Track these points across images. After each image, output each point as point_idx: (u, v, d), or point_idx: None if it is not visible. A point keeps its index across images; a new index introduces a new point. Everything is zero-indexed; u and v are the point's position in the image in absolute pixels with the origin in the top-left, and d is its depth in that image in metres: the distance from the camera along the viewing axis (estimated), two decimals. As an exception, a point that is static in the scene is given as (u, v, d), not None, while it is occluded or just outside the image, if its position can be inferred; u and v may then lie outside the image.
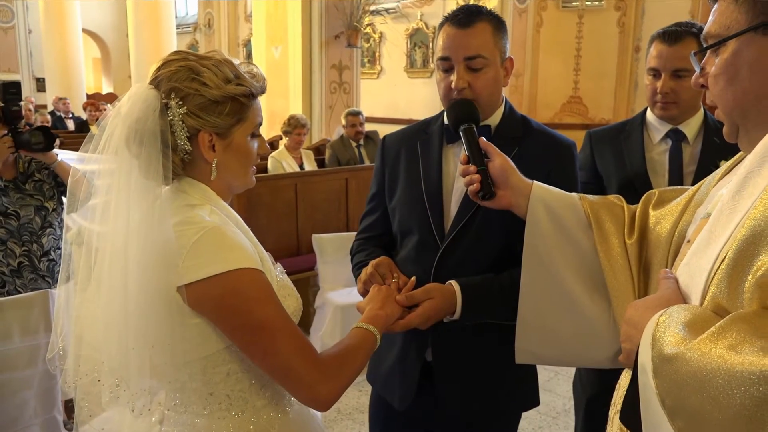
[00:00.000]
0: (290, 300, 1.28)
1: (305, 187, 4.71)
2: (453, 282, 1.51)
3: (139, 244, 1.11)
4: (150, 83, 1.19)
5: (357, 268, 1.68)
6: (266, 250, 1.36)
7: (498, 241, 1.55)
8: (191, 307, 1.14)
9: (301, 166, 5.59)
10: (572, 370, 2.48)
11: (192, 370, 1.20)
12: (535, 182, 1.41)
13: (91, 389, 1.15)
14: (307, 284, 4.41)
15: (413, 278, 1.54)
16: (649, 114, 2.05)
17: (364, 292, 1.55)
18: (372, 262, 1.57)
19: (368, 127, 6.40)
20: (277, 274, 1.30)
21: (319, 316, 4.17)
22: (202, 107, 1.18)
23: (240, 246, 1.16)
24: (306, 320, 4.25)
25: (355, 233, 1.85)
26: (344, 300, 3.92)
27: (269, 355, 1.15)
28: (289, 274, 1.38)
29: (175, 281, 1.12)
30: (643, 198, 1.38)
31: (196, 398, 1.22)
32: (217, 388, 1.23)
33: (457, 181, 1.59)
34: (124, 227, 1.12)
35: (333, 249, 4.27)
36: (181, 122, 1.17)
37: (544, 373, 3.91)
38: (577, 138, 1.88)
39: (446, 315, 1.51)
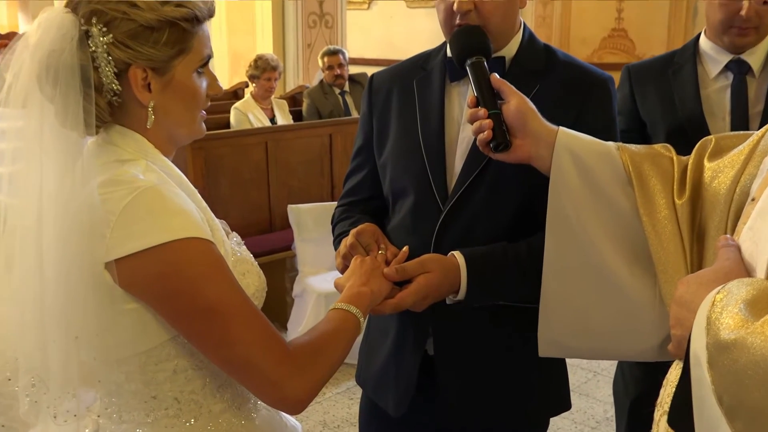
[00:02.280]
0: (250, 278, 1.28)
1: (278, 145, 4.69)
2: (456, 253, 1.52)
3: (56, 212, 1.11)
4: (66, 6, 1.17)
5: (338, 241, 1.69)
6: (231, 227, 1.36)
7: (514, 202, 1.55)
8: (123, 288, 1.14)
9: (272, 120, 5.58)
10: (614, 369, 2.50)
11: (129, 368, 1.21)
12: (561, 128, 1.41)
13: (2, 390, 1.15)
14: (282, 268, 4.43)
15: (405, 248, 1.56)
16: (703, 41, 2.03)
17: (344, 268, 1.56)
18: (352, 231, 1.58)
19: (356, 70, 6.37)
20: (232, 246, 1.29)
21: (297, 307, 4.21)
22: (133, 35, 1.17)
23: (183, 210, 1.15)
24: (281, 313, 4.29)
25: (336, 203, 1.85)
26: (329, 287, 3.94)
27: (224, 346, 1.15)
28: (260, 255, 1.39)
29: (101, 256, 1.12)
30: (696, 147, 1.38)
31: (135, 403, 1.23)
32: (161, 389, 1.23)
33: (464, 128, 1.59)
34: (36, 191, 1.11)
35: (314, 223, 4.28)
36: (106, 54, 1.16)
37: (579, 373, 3.95)
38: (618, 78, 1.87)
39: (448, 294, 1.52)
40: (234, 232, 1.36)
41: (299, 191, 4.77)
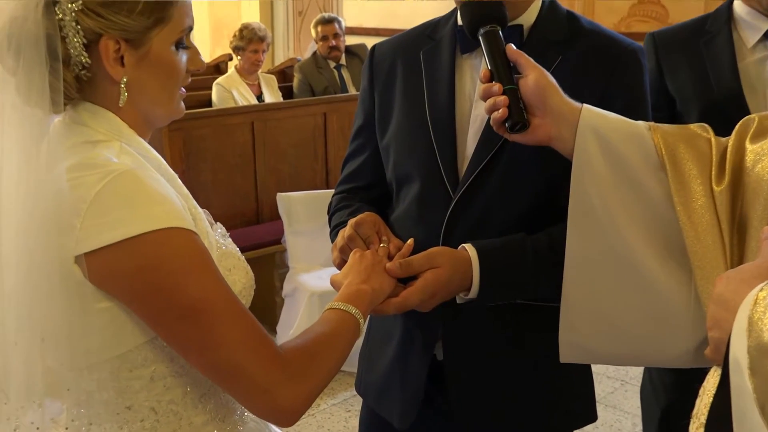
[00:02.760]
0: (236, 274, 1.29)
1: (266, 126, 4.70)
2: (467, 245, 1.53)
3: (19, 200, 1.11)
4: (30, -32, 1.17)
5: (335, 233, 1.70)
6: (213, 218, 1.36)
7: (533, 189, 1.56)
8: (95, 284, 1.15)
9: (259, 97, 5.58)
10: (641, 376, 2.51)
11: (101, 375, 1.21)
12: (586, 105, 1.41)
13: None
14: (270, 264, 4.45)
15: (410, 240, 1.57)
16: (738, 5, 1.99)
17: (341, 263, 1.57)
18: (351, 222, 1.59)
19: (354, 41, 6.36)
20: (216, 239, 1.30)
21: (288, 308, 4.22)
22: (105, 1, 1.17)
23: (163, 197, 1.16)
24: (269, 315, 4.31)
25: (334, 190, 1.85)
26: (324, 285, 3.95)
27: (208, 349, 1.16)
28: (246, 250, 1.40)
29: (71, 249, 1.12)
30: (737, 127, 1.38)
31: (107, 414, 1.24)
32: (137, 399, 1.24)
33: (476, 106, 1.60)
34: None
35: (307, 214, 4.29)
36: (74, 24, 1.16)
37: (606, 382, 3.96)
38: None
39: (459, 292, 1.53)
40: (218, 223, 1.36)
41: (290, 177, 4.77)
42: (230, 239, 1.35)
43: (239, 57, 5.57)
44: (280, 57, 7.98)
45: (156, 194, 1.16)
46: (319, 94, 5.66)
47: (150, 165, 1.23)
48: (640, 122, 1.43)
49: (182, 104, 1.31)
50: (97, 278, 1.14)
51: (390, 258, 1.53)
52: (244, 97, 5.49)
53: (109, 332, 1.18)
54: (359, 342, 1.48)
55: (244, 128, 4.63)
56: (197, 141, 4.42)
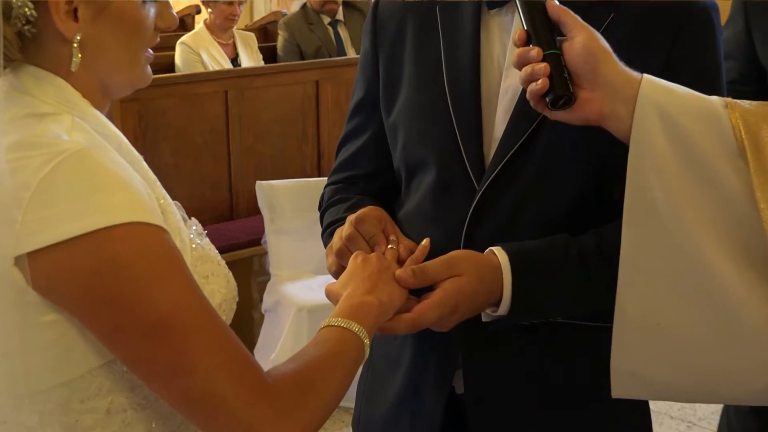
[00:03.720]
0: (215, 282, 1.30)
1: (243, 97, 4.71)
2: (496, 249, 1.54)
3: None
4: None
5: (329, 232, 1.72)
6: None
7: (578, 179, 1.57)
8: (40, 292, 1.15)
9: (234, 61, 5.58)
10: (717, 419, 2.51)
11: (45, 406, 1.22)
12: (646, 76, 1.42)
13: None
14: (247, 271, 4.47)
15: (425, 241, 1.58)
16: None
17: (338, 270, 1.58)
18: (350, 218, 1.60)
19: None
20: (191, 238, 1.31)
21: (268, 327, 4.25)
22: None
23: (124, 184, 1.17)
24: (245, 334, 4.32)
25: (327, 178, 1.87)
26: (314, 298, 3.97)
27: (179, 376, 1.17)
28: (218, 251, 1.41)
29: (10, 248, 1.13)
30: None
31: (52, 454, 1.24)
32: (89, 436, 1.24)
33: (508, 75, 1.61)
34: None
35: (293, 208, 4.30)
36: (15, -34, 1.17)
37: (668, 423, 3.97)
38: (724, 10, 1.84)
39: (485, 307, 1.54)
40: (193, 219, 1.37)
41: (273, 162, 4.79)
42: (207, 239, 1.36)
43: (209, 9, 5.56)
44: (261, 10, 7.98)
45: (116, 180, 1.16)
46: (310, 56, 5.65)
47: (109, 144, 1.23)
48: (714, 98, 1.43)
49: (149, 69, 1.32)
50: (41, 284, 1.14)
51: (400, 263, 1.53)
52: (216, 59, 5.49)
53: (56, 353, 1.18)
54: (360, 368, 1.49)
55: (215, 99, 4.64)
56: (156, 115, 4.43)
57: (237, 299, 1.36)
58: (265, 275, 4.37)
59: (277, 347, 4.00)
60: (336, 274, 1.58)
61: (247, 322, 4.40)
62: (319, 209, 1.83)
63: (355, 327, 1.35)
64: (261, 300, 4.32)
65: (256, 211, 4.43)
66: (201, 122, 4.58)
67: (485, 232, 1.59)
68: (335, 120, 4.96)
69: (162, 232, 1.19)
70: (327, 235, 1.74)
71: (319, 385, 1.26)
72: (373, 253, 1.54)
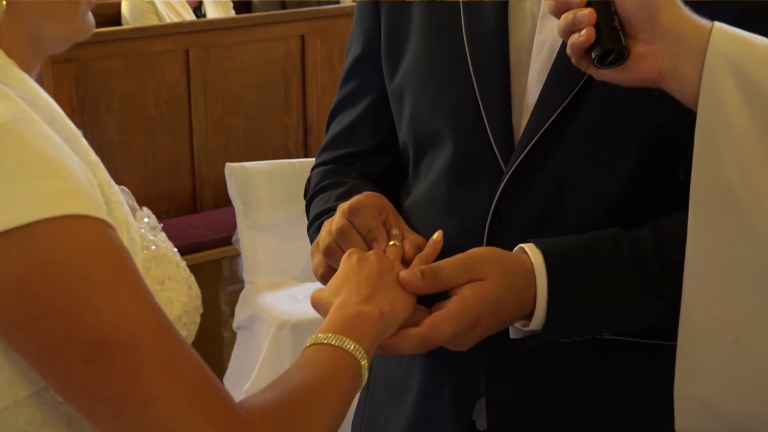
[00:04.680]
0: (174, 289, 1.31)
1: (209, 57, 4.72)
2: (528, 246, 1.54)
3: None
4: None
5: (317, 225, 1.72)
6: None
7: (631, 157, 1.57)
8: None
9: (197, 11, 5.58)
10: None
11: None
12: (718, 24, 1.41)
13: None
14: (215, 276, 4.52)
15: (437, 235, 1.58)
16: None
17: (327, 273, 1.58)
18: (342, 207, 1.59)
19: None
20: (142, 233, 1.32)
21: (243, 346, 4.27)
22: None
23: (59, 167, 1.17)
24: (213, 356, 4.36)
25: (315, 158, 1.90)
26: (300, 310, 4.00)
27: (128, 408, 1.17)
28: (178, 251, 1.41)
29: None
30: None
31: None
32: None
33: (543, 26, 1.62)
34: None
35: (273, 196, 4.32)
36: None
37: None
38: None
39: (514, 320, 1.54)
40: (145, 209, 1.37)
41: (247, 138, 4.80)
42: (164, 234, 1.36)
43: (166, -54, 5.58)
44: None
45: (48, 162, 1.16)
46: (293, 5, 5.66)
47: (39, 116, 1.23)
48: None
49: (90, 18, 1.32)
50: None
51: (406, 264, 1.53)
52: (174, 9, 5.50)
53: (-28, 378, 1.19)
54: (356, 397, 1.49)
55: (174, 60, 4.65)
56: (97, 80, 4.44)
57: (201, 310, 1.36)
58: (237, 283, 4.38)
59: (253, 374, 4.01)
60: (324, 278, 1.58)
61: (215, 342, 4.41)
62: (305, 197, 1.84)
63: (350, 345, 1.35)
64: (232, 314, 4.32)
65: (225, 202, 4.44)
66: (155, 89, 4.59)
67: (514, 225, 1.60)
68: (326, 85, 4.96)
69: (106, 227, 1.19)
70: (314, 229, 1.74)
71: (304, 419, 1.26)
72: (371, 251, 1.53)
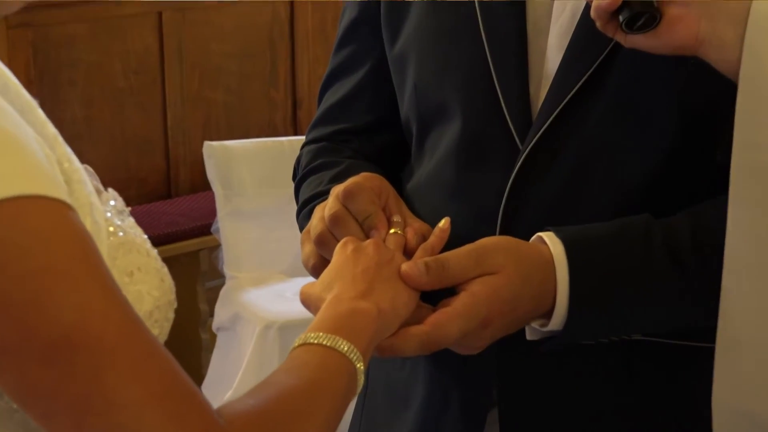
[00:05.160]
0: (144, 281, 1.31)
1: (184, 21, 4.72)
2: (548, 235, 1.54)
3: None
4: None
5: (308, 212, 1.72)
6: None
7: (664, 135, 1.57)
8: None
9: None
10: None
11: None
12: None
13: None
14: (192, 270, 4.54)
15: (444, 222, 1.57)
16: None
17: (318, 265, 1.58)
18: (336, 190, 1.59)
19: None
20: (108, 217, 1.32)
21: (224, 349, 4.29)
22: None
23: (11, 142, 1.17)
24: (191, 361, 4.38)
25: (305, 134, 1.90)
26: (288, 310, 4.02)
27: (92, 415, 1.17)
28: (151, 242, 1.41)
29: None
30: None
31: None
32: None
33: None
34: None
35: (257, 179, 4.35)
36: None
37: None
38: None
39: (530, 319, 1.54)
40: (111, 190, 1.38)
41: (228, 114, 4.80)
42: (132, 219, 1.36)
43: None
44: None
45: (1, 136, 1.18)
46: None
47: None
48: None
49: None
50: None
51: (408, 255, 1.53)
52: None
53: None
54: (352, 404, 1.49)
55: (145, 24, 4.65)
56: (58, 47, 4.44)
57: (175, 305, 1.36)
58: (217, 278, 4.38)
59: (235, 382, 4.03)
60: (315, 271, 1.58)
61: (192, 344, 4.41)
62: (294, 179, 1.85)
63: (344, 345, 1.35)
64: (212, 313, 4.32)
65: (203, 186, 4.44)
66: (124, 58, 4.59)
67: (531, 211, 1.60)
68: (318, 54, 4.96)
69: (66, 210, 1.18)
70: (304, 215, 1.75)
71: (291, 428, 1.26)
72: (368, 240, 1.53)
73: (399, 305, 1.46)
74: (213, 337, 4.32)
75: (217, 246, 4.38)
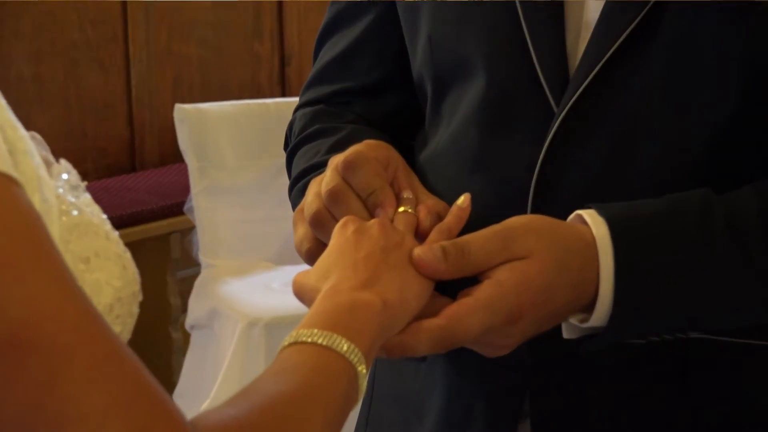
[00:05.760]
0: (102, 268, 1.31)
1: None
2: (588, 213, 1.52)
3: None
4: None
5: (301, 187, 1.73)
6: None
7: (726, 94, 1.57)
8: None
9: None
10: None
11: None
12: None
13: None
14: (161, 257, 4.59)
15: (463, 199, 1.56)
16: None
17: (314, 249, 1.57)
18: (334, 161, 1.58)
19: None
20: (59, 193, 1.32)
21: (200, 351, 4.33)
22: None
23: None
24: (161, 364, 4.41)
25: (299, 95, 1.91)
26: (276, 304, 4.05)
27: (45, 425, 1.18)
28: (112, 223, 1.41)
29: None
30: None
31: None
32: None
33: None
34: None
35: (239, 149, 4.37)
36: None
37: None
38: None
39: (568, 314, 1.53)
40: (64, 162, 1.37)
41: (204, 72, 4.81)
42: (88, 196, 1.36)
43: None
44: None
45: None
46: None
47: None
48: None
49: None
50: None
51: (421, 237, 1.52)
52: None
53: None
54: (352, 415, 1.49)
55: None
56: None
57: (140, 298, 1.36)
58: (191, 266, 4.40)
59: (213, 390, 4.05)
60: (311, 257, 1.57)
61: (161, 345, 4.43)
62: (285, 149, 1.86)
63: (343, 345, 1.34)
64: (185, 309, 4.34)
65: (174, 157, 4.45)
66: (79, 6, 4.59)
67: (569, 185, 1.59)
68: (310, 4, 4.96)
69: (10, 185, 1.18)
70: (297, 191, 1.74)
71: None
72: (373, 220, 1.52)
73: (409, 297, 1.45)
74: (186, 337, 4.33)
75: (191, 228, 4.39)
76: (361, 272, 1.44)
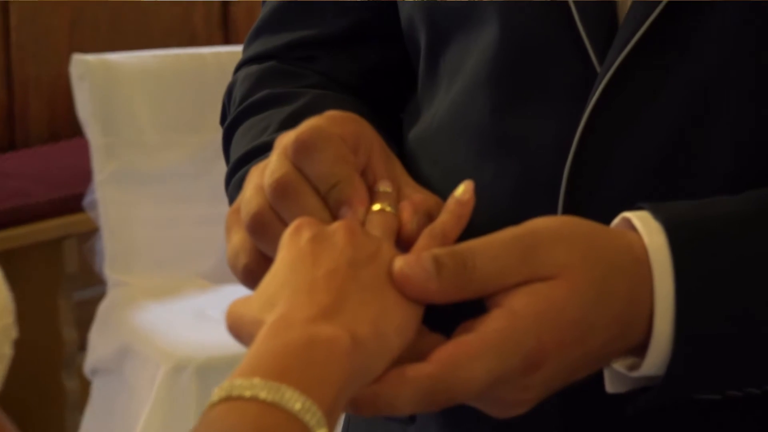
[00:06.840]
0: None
1: None
2: (639, 216, 1.50)
3: None
4: None
5: (239, 178, 1.72)
6: None
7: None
8: None
9: None
10: None
11: None
12: None
13: None
14: (50, 270, 4.58)
15: (465, 187, 1.55)
16: None
17: (252, 265, 1.55)
18: (283, 140, 1.56)
19: None
20: None
21: (105, 405, 4.31)
22: None
23: None
24: (49, 422, 4.37)
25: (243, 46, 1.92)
26: (209, 340, 4.08)
27: None
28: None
29: None
30: None
31: None
32: None
33: None
34: None
35: (160, 117, 4.36)
36: None
37: None
38: None
39: (612, 358, 1.52)
40: None
41: (112, 12, 4.84)
42: None
43: None
44: None
45: None
46: None
47: None
48: None
49: None
50: None
51: (404, 246, 1.52)
52: None
53: None
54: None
55: None
56: None
57: (15, 336, 1.36)
58: (92, 285, 4.41)
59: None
60: (249, 276, 1.56)
61: (50, 396, 4.45)
62: (222, 122, 1.86)
63: (294, 400, 1.33)
64: (83, 345, 4.34)
65: (70, 130, 4.45)
66: None
67: (614, 176, 1.59)
68: None
69: None
70: (236, 182, 1.74)
71: None
72: (336, 223, 1.50)
73: (388, 330, 1.43)
74: (86, 386, 4.34)
75: (92, 231, 4.39)
76: (321, 297, 1.42)
